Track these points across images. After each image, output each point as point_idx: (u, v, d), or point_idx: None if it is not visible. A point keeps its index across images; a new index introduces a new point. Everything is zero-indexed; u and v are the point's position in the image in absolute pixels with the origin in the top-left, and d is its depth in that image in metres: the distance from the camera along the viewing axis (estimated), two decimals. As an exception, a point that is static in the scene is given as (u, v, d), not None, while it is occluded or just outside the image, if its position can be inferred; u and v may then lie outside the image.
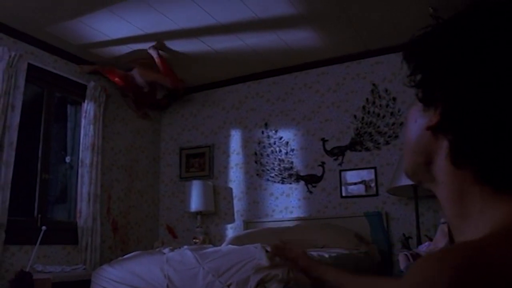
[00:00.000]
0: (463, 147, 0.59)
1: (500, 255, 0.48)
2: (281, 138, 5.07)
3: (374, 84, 4.69)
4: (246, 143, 5.27)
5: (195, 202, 5.00)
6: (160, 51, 4.61)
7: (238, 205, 5.16)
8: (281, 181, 4.97)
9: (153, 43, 4.50)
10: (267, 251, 2.90)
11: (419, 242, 3.81)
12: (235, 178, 5.25)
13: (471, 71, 0.57)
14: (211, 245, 4.10)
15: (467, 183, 0.61)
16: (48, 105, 4.49)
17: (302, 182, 4.86)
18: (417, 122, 0.68)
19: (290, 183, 4.92)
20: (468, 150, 0.59)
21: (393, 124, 4.53)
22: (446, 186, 0.64)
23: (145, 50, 4.59)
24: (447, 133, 0.61)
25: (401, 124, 4.48)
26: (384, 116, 4.59)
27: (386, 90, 4.62)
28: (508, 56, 0.56)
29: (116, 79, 4.85)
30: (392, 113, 4.56)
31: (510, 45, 0.56)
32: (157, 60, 4.63)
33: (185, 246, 3.52)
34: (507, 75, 0.55)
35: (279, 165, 5.01)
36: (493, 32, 0.58)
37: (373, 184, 4.52)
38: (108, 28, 4.18)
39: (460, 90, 0.58)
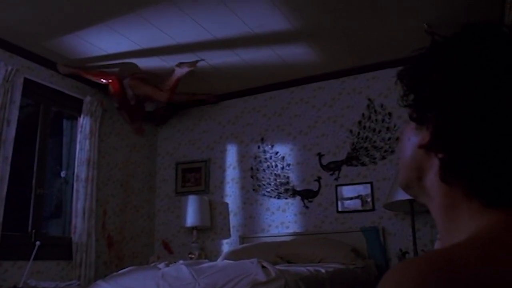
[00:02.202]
0: (452, 165, 0.61)
1: (467, 265, 0.49)
2: (277, 153, 5.07)
3: (370, 99, 4.72)
4: (242, 157, 5.26)
5: (191, 217, 4.97)
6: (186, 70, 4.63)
7: (234, 220, 5.14)
8: (277, 196, 4.96)
9: (188, 62, 4.51)
10: (263, 266, 2.88)
11: (416, 257, 3.80)
12: (231, 193, 5.23)
13: (460, 93, 0.60)
14: (207, 260, 4.08)
15: (456, 198, 0.63)
16: (44, 119, 4.48)
17: (298, 197, 4.85)
18: (410, 140, 0.71)
19: (286, 198, 4.91)
20: (458, 168, 0.61)
21: (389, 139, 4.54)
22: (437, 201, 0.66)
23: (133, 64, 4.60)
24: (438, 151, 0.63)
25: (397, 139, 4.49)
26: (380, 131, 4.60)
27: (382, 105, 4.64)
28: (496, 79, 0.58)
29: (110, 81, 4.75)
30: (388, 128, 4.57)
31: (498, 69, 0.58)
32: (176, 77, 4.63)
33: (181, 261, 3.50)
34: (495, 97, 0.57)
35: (275, 180, 5.01)
36: (481, 56, 0.60)
37: (369, 199, 4.51)
38: (105, 42, 4.20)
39: (449, 111, 0.61)
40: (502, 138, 0.56)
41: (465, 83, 0.59)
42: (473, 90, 0.58)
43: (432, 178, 0.66)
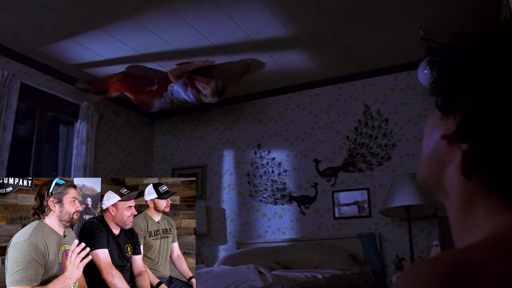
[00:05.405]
0: (475, 158, 0.60)
1: (484, 264, 0.48)
2: (274, 158, 5.07)
3: (366, 106, 4.73)
4: (238, 163, 5.26)
5: (187, 223, 4.95)
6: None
7: (230, 226, 5.12)
8: (273, 202, 4.95)
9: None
10: (260, 272, 2.87)
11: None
12: (228, 199, 5.22)
13: (494, 86, 0.59)
14: (203, 265, 4.06)
15: (474, 194, 0.61)
16: (40, 124, 4.47)
17: (295, 203, 4.85)
18: (434, 131, 0.69)
19: (283, 204, 4.90)
20: (480, 161, 0.60)
21: (386, 145, 4.55)
22: (455, 196, 0.65)
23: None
24: (462, 142, 0.62)
25: (394, 145, 4.50)
26: (376, 137, 4.61)
27: (379, 112, 4.65)
28: None
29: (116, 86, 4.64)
30: (384, 134, 4.58)
31: None
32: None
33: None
34: None
35: (272, 186, 5.00)
36: None
37: (366, 205, 4.51)
38: (101, 48, 4.19)
39: (480, 103, 0.59)
40: None
41: (502, 76, 0.58)
42: (508, 85, 0.57)
43: (452, 172, 0.65)
